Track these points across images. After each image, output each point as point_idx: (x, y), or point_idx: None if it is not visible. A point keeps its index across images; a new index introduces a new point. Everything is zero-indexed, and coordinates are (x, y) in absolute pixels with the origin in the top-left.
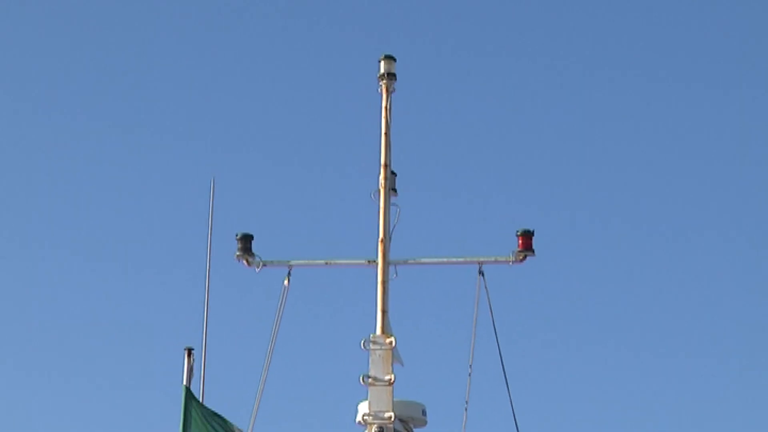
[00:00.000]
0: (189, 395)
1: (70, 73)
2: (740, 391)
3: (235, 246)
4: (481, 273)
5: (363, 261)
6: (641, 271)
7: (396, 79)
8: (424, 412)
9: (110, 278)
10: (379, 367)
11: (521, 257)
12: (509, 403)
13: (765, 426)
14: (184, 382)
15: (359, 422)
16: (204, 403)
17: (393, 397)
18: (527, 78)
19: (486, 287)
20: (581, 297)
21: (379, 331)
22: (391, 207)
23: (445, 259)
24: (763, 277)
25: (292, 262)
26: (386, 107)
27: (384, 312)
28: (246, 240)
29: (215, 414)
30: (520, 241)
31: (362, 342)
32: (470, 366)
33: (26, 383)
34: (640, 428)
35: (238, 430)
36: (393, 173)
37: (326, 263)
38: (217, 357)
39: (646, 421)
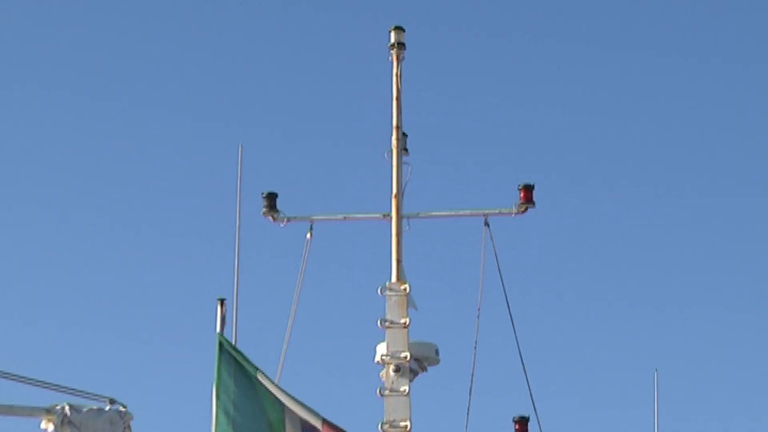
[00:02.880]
0: (222, 342)
1: (98, 37)
2: (744, 338)
3: (262, 204)
4: (486, 224)
5: (378, 215)
6: (639, 220)
7: (405, 48)
8: (437, 352)
9: (147, 236)
10: (395, 312)
11: (523, 209)
12: (515, 340)
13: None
14: (218, 330)
15: (378, 362)
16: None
17: (408, 339)
18: (528, 39)
19: (492, 237)
20: (580, 245)
21: (394, 278)
22: (403, 165)
23: (453, 212)
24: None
25: (314, 217)
26: (397, 74)
27: (398, 261)
28: (271, 198)
29: (245, 358)
30: (522, 194)
31: (379, 289)
32: (479, 309)
33: (64, 336)
34: (638, 369)
35: (262, 374)
36: (404, 134)
37: (345, 217)
38: (248, 306)
39: (645, 363)
